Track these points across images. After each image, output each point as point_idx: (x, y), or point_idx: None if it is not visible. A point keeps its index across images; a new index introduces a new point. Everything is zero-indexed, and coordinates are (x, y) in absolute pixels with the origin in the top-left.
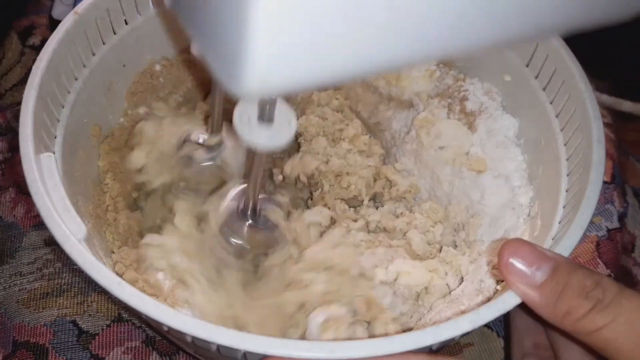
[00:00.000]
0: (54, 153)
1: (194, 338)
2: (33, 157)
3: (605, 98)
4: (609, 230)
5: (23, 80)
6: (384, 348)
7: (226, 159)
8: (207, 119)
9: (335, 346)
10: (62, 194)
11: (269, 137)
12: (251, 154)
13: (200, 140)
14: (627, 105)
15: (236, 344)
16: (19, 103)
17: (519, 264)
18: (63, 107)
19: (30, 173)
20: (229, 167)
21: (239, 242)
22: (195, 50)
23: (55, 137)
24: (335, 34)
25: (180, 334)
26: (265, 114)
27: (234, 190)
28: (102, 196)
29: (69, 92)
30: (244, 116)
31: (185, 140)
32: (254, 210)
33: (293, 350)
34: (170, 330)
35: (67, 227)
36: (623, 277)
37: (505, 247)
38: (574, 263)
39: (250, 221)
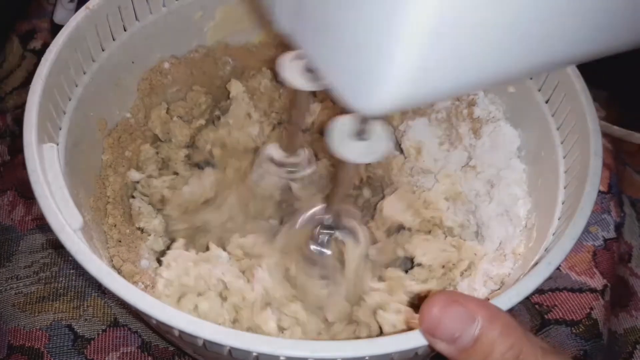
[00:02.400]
0: (57, 144)
1: (180, 332)
2: (35, 146)
3: (616, 129)
4: (605, 240)
5: (24, 84)
6: (366, 349)
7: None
8: None
9: (317, 345)
10: (61, 184)
11: (363, 152)
12: (340, 168)
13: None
14: (637, 137)
15: (220, 339)
16: (20, 106)
17: (445, 324)
18: (70, 100)
19: (31, 162)
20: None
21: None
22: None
23: (60, 129)
24: (477, 46)
25: (167, 328)
26: (363, 131)
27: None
28: (104, 190)
29: (76, 85)
30: (338, 132)
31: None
32: (336, 221)
33: (277, 348)
34: (159, 323)
35: (64, 216)
36: (619, 287)
37: (435, 302)
38: (499, 326)
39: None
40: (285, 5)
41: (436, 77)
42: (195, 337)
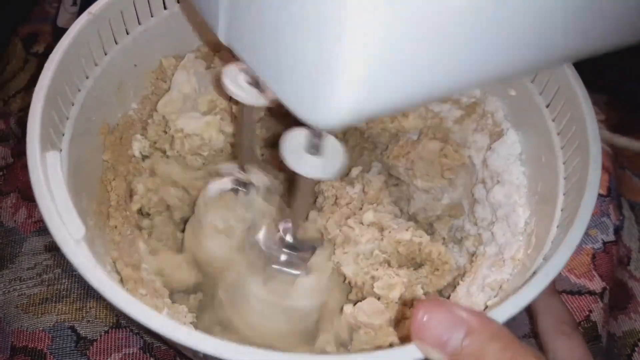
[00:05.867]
0: (60, 151)
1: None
2: (39, 156)
3: (618, 139)
4: (604, 243)
5: (26, 87)
6: None
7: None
8: None
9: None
10: (64, 194)
11: (319, 168)
12: (296, 184)
13: (231, 185)
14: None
15: (219, 353)
16: (22, 109)
17: (432, 327)
18: (73, 105)
19: (35, 173)
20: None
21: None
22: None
23: (63, 135)
24: (429, 54)
25: (170, 341)
26: (315, 145)
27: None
28: (106, 194)
29: (79, 90)
30: (292, 146)
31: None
32: (295, 237)
33: None
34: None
35: (68, 228)
36: (618, 290)
37: (421, 306)
38: (489, 330)
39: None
40: (222, 11)
41: (389, 88)
42: (196, 351)
